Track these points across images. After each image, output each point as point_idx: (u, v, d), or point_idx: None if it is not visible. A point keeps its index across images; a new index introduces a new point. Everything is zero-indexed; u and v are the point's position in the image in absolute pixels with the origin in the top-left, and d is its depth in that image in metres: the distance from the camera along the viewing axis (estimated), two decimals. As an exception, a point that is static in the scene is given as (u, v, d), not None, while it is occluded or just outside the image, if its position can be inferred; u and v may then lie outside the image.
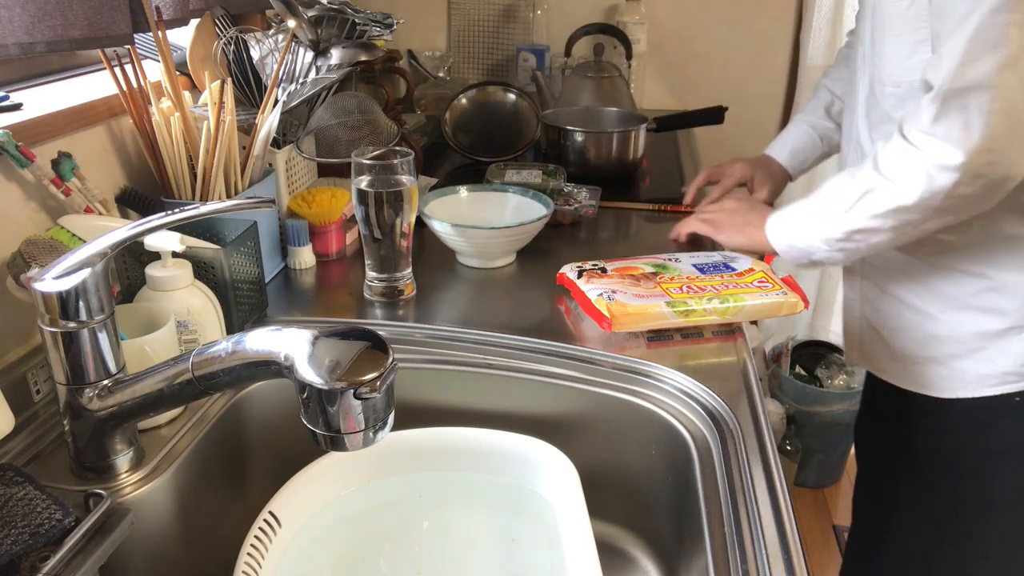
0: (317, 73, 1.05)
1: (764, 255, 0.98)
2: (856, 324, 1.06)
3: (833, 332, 2.16)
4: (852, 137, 1.00)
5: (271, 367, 0.55)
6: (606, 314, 0.84)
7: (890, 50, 0.87)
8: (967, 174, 0.75)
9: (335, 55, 1.06)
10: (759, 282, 0.90)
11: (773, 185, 1.24)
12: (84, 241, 0.72)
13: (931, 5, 0.78)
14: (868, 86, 0.93)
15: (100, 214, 0.81)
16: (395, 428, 0.58)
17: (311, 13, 1.06)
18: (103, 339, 0.61)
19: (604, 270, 0.92)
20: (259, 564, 0.64)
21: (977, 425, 0.94)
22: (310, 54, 1.07)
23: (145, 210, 0.90)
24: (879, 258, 0.97)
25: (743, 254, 0.99)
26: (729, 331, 0.88)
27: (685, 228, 1.10)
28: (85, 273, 0.58)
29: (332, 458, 0.74)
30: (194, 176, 0.88)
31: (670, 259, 0.96)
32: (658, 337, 0.86)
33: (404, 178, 0.89)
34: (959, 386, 0.93)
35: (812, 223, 0.90)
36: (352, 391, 0.52)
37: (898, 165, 0.80)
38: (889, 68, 0.88)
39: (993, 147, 0.73)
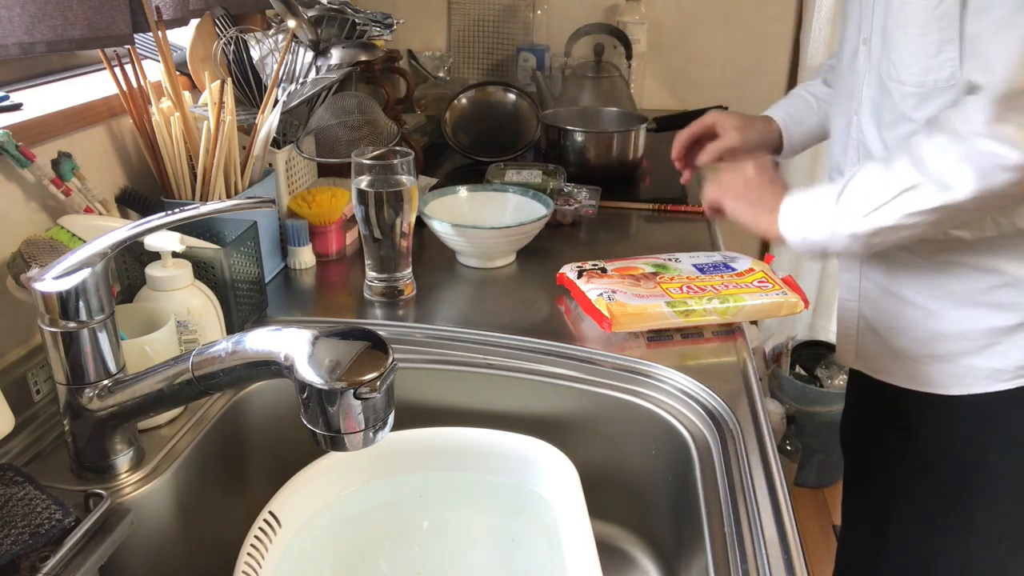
0: (317, 73, 1.06)
1: (764, 256, 0.98)
2: (853, 325, 1.05)
3: (833, 332, 2.15)
4: (851, 137, 0.98)
5: (271, 367, 0.55)
6: (606, 314, 0.84)
7: (913, 49, 0.84)
8: None
9: (335, 55, 1.06)
10: (759, 282, 0.90)
11: (747, 125, 1.17)
12: (84, 241, 0.72)
13: (967, 4, 0.77)
14: (876, 85, 0.91)
15: (100, 214, 0.81)
16: (395, 428, 0.58)
17: (311, 13, 1.06)
18: (103, 339, 0.61)
19: (604, 270, 0.92)
20: (259, 564, 0.64)
21: (984, 420, 0.94)
22: (310, 54, 1.07)
23: (145, 210, 0.90)
24: (881, 257, 0.96)
25: (741, 228, 0.94)
26: (729, 331, 0.88)
27: (704, 198, 1.03)
28: (85, 273, 0.58)
29: (332, 458, 0.74)
30: (194, 176, 0.88)
31: (670, 259, 0.96)
32: (658, 337, 0.86)
33: (404, 178, 0.89)
34: (970, 382, 0.93)
35: (835, 217, 0.84)
36: (352, 391, 0.52)
37: (948, 164, 0.77)
38: (912, 68, 0.85)
39: None
